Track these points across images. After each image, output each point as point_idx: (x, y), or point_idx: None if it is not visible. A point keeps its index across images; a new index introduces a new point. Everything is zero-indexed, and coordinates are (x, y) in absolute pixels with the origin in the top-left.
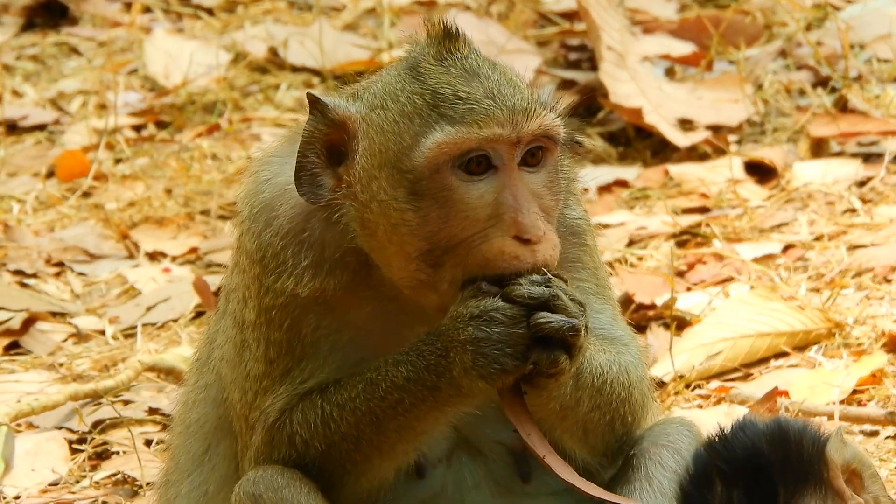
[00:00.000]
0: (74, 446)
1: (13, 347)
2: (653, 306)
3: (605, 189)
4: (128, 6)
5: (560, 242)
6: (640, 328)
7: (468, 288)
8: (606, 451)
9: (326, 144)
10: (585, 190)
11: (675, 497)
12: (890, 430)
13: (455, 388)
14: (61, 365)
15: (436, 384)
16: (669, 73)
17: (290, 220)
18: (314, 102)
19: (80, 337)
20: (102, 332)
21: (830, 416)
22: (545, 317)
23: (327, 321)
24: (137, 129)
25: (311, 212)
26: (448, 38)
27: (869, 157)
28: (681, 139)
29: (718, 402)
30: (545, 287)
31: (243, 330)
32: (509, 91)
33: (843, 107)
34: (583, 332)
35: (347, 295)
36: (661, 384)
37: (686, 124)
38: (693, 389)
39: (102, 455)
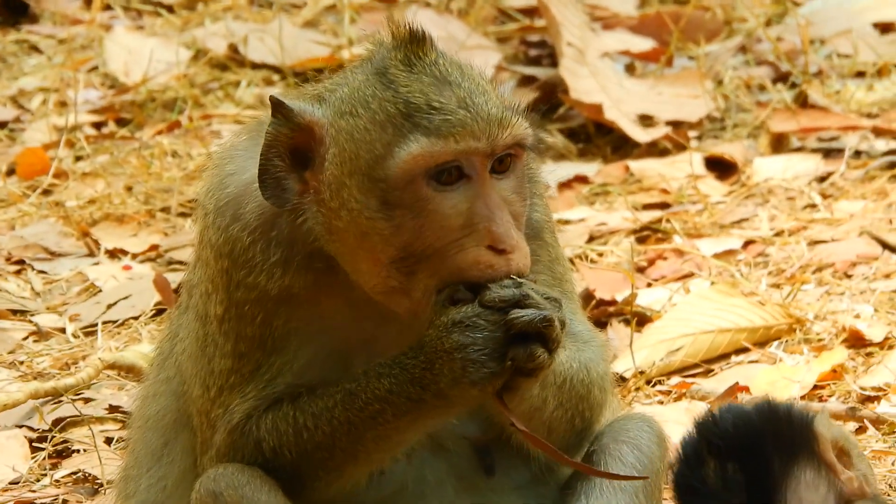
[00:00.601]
0: (35, 444)
1: None
2: (613, 302)
3: (565, 185)
4: (88, 3)
5: None
6: (601, 324)
7: (443, 295)
8: (566, 448)
9: (290, 148)
10: (547, 187)
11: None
12: (850, 426)
13: (442, 398)
14: (21, 363)
15: (420, 396)
16: (629, 69)
17: (259, 216)
18: (277, 105)
19: (40, 335)
20: (63, 330)
21: None
22: (517, 313)
23: (298, 313)
24: (98, 126)
25: (277, 213)
26: (415, 42)
27: (829, 153)
28: (641, 135)
29: (679, 397)
30: (515, 289)
31: (207, 324)
32: (482, 100)
33: (803, 102)
34: (556, 324)
35: (315, 294)
36: (621, 380)
37: (646, 120)
38: (654, 385)
39: (63, 453)
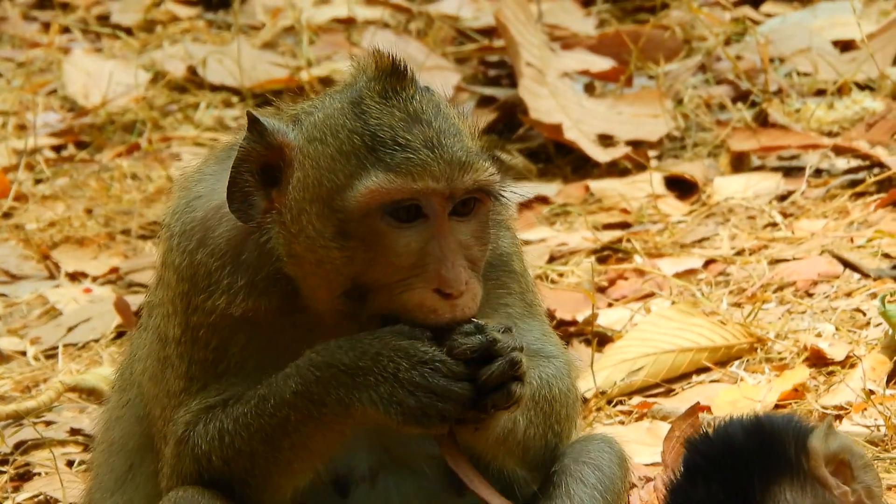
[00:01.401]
0: None
1: None
2: (574, 322)
3: (525, 206)
4: (46, 26)
5: (489, 269)
6: None
7: (396, 325)
8: (541, 464)
9: (261, 165)
10: (513, 215)
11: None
12: None
13: (343, 407)
14: None
15: (324, 398)
16: (589, 88)
17: (228, 241)
18: (253, 122)
19: (1, 358)
20: (24, 353)
21: None
22: (487, 370)
23: (256, 340)
24: (57, 149)
25: (247, 233)
26: (395, 76)
27: (790, 171)
28: (601, 155)
29: (640, 417)
30: (481, 336)
31: (166, 346)
32: (449, 141)
33: (763, 121)
34: (521, 357)
35: (278, 316)
36: (583, 400)
37: (606, 140)
38: (615, 405)
39: (24, 476)
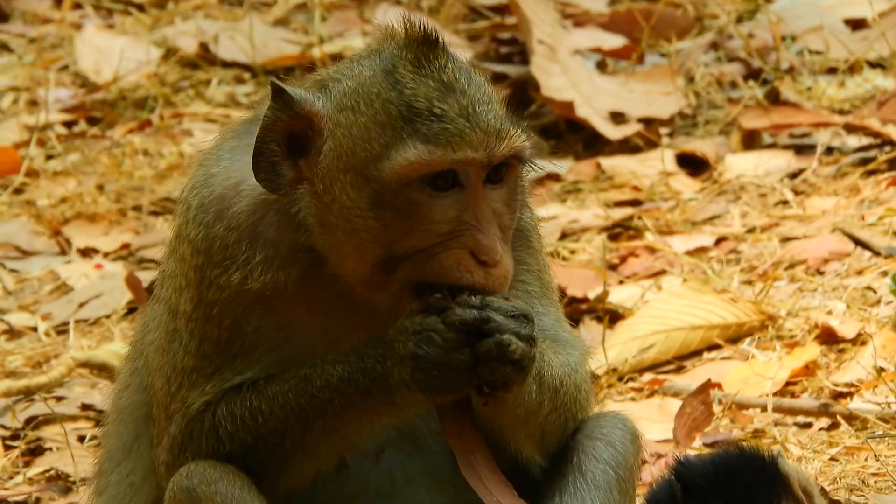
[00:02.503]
0: (7, 443)
1: None
2: (585, 299)
3: (537, 182)
4: (58, 2)
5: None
6: (573, 321)
7: (418, 301)
8: (555, 449)
9: (287, 134)
10: (531, 191)
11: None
12: (823, 422)
13: (388, 395)
14: None
15: (368, 389)
16: (601, 66)
17: (248, 216)
18: (278, 91)
19: (12, 333)
20: (35, 329)
21: (763, 409)
22: (483, 343)
23: (268, 320)
24: (69, 125)
25: (267, 207)
26: (427, 44)
27: (801, 149)
28: (612, 132)
29: (651, 394)
30: (477, 311)
31: (176, 318)
32: (483, 109)
33: (774, 99)
34: (518, 345)
35: (296, 292)
36: (594, 377)
37: (618, 117)
38: (626, 382)
39: (35, 451)
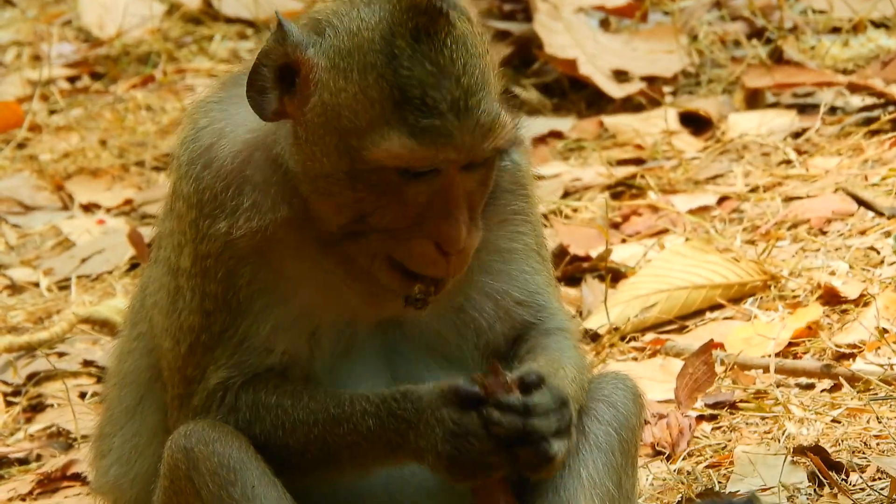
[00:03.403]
0: (9, 399)
1: None
2: (587, 258)
3: (539, 140)
4: None
5: (505, 193)
6: (575, 280)
7: (452, 388)
8: None
9: (280, 65)
10: (536, 145)
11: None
12: (826, 383)
13: (416, 458)
14: None
15: (400, 445)
16: (604, 24)
17: (232, 159)
18: (279, 26)
19: (14, 289)
20: (37, 284)
21: (766, 369)
22: (524, 451)
23: (262, 274)
24: (72, 80)
25: (253, 149)
26: (430, 15)
27: (804, 109)
28: (615, 90)
29: (653, 354)
30: (521, 418)
31: (177, 277)
32: (474, 101)
33: (778, 58)
34: (558, 446)
35: (286, 239)
36: (595, 337)
37: (621, 75)
38: (628, 342)
39: (37, 408)
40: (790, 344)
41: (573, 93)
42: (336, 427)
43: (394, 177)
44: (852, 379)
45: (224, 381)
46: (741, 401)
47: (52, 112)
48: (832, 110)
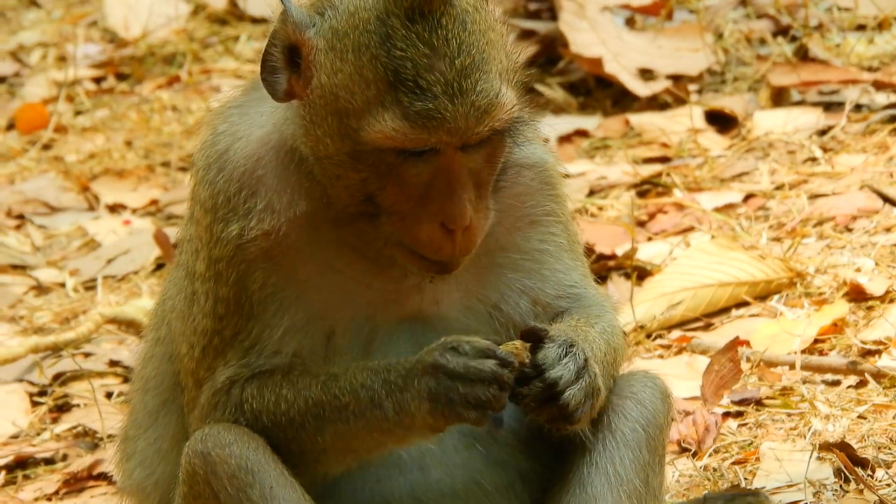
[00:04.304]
0: (35, 399)
1: None
2: (613, 256)
3: (565, 139)
4: None
5: (534, 194)
6: (601, 278)
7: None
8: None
9: (288, 45)
10: (546, 140)
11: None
12: (851, 380)
13: (406, 416)
14: (22, 317)
15: (385, 416)
16: (629, 22)
17: (246, 160)
18: (283, 6)
19: (40, 289)
20: (63, 285)
21: (792, 366)
22: (545, 410)
23: (274, 279)
24: (97, 81)
25: (265, 148)
26: None
27: (829, 106)
28: (641, 89)
29: (679, 351)
30: (540, 382)
31: (194, 282)
32: (469, 83)
33: (803, 55)
34: (577, 395)
35: (300, 238)
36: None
37: (646, 74)
38: (654, 339)
39: (63, 408)
40: (816, 341)
41: (599, 91)
42: (332, 384)
43: (392, 157)
44: (878, 375)
45: (231, 377)
46: (767, 398)
47: (77, 113)
48: (857, 108)
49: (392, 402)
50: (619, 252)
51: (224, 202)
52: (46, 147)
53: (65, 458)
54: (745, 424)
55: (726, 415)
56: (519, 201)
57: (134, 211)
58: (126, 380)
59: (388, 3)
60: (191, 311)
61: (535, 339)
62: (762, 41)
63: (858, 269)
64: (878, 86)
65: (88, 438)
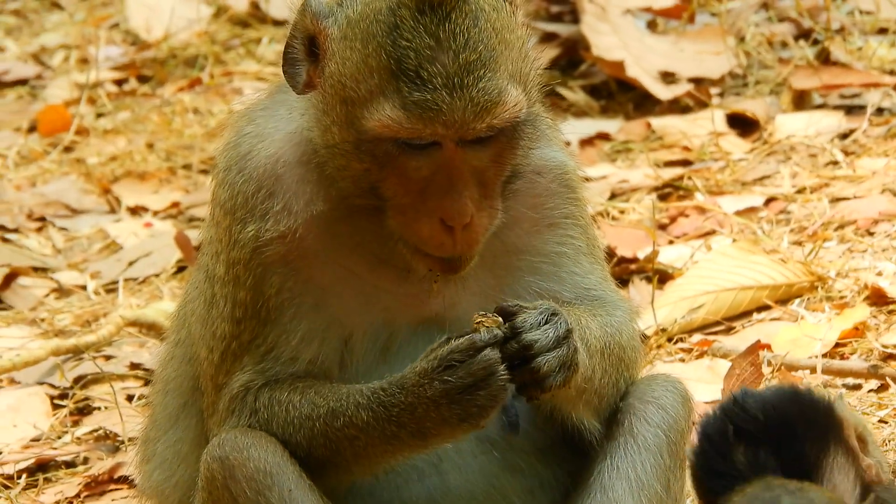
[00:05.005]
0: (56, 402)
1: None
2: (635, 259)
3: (587, 142)
4: None
5: (553, 196)
6: (623, 282)
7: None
8: (610, 408)
9: (308, 36)
10: (567, 143)
11: (690, 464)
12: (872, 384)
13: (420, 437)
14: (43, 320)
15: (396, 434)
16: (651, 25)
17: (266, 160)
18: None
19: (61, 292)
20: (84, 287)
21: (813, 370)
22: (518, 373)
23: (290, 283)
24: (119, 83)
25: (286, 148)
26: None
27: (851, 110)
28: (663, 92)
29: (700, 355)
30: (515, 342)
31: (213, 285)
32: (472, 78)
33: (825, 59)
34: (551, 359)
35: (316, 242)
36: (642, 338)
37: (668, 77)
38: (675, 343)
39: (84, 410)
40: (837, 344)
41: (620, 94)
42: (334, 420)
43: (393, 148)
44: None
45: (246, 383)
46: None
47: (99, 115)
48: (879, 111)
49: (407, 432)
50: (641, 255)
51: (242, 203)
52: (68, 149)
53: (86, 461)
54: None
55: None
56: (537, 204)
57: (155, 213)
58: (147, 382)
59: None
60: (210, 314)
61: (508, 314)
62: (784, 44)
63: (880, 273)
64: None
65: (109, 441)
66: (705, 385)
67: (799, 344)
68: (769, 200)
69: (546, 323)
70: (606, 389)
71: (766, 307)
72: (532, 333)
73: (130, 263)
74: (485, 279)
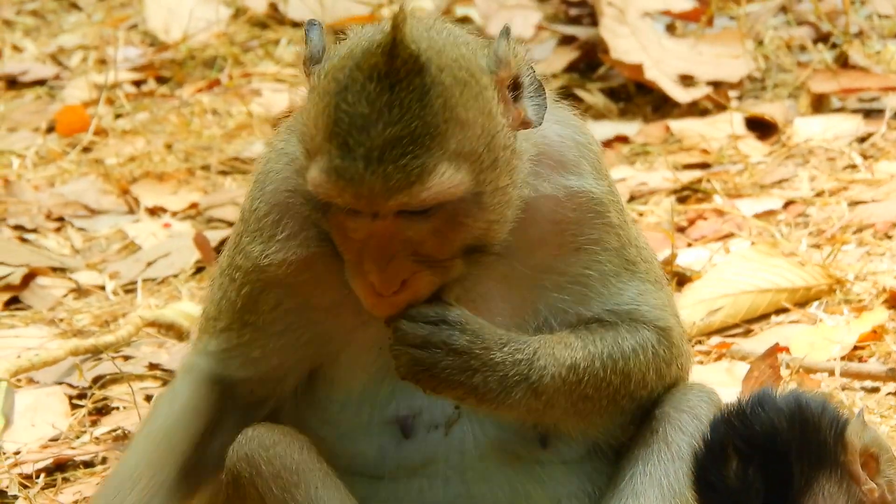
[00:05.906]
0: (75, 402)
1: (13, 303)
2: None
3: (605, 145)
4: None
5: (577, 223)
6: None
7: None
8: (623, 420)
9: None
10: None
11: (690, 464)
12: (891, 387)
13: None
14: (61, 320)
15: None
16: (670, 28)
17: (281, 184)
18: (307, 32)
19: (80, 292)
20: (103, 288)
21: (831, 373)
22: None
23: (289, 303)
24: (137, 84)
25: (296, 181)
26: (392, 55)
27: (870, 113)
28: (681, 95)
29: (719, 358)
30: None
31: (220, 271)
32: (394, 155)
33: (843, 63)
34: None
35: (316, 269)
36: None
37: (687, 80)
38: (693, 345)
39: (103, 410)
40: (855, 347)
41: (639, 97)
42: None
43: (329, 206)
44: None
45: (209, 373)
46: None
47: (117, 116)
48: None
49: None
50: (659, 258)
51: (255, 219)
52: (86, 150)
53: (104, 461)
54: None
55: None
56: (561, 230)
57: (174, 214)
58: (165, 383)
59: (362, 58)
60: (212, 295)
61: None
62: (802, 48)
63: None
64: None
65: (128, 441)
66: (724, 388)
67: (817, 347)
68: (788, 203)
69: (430, 324)
70: (588, 409)
71: (785, 310)
72: (406, 324)
73: (149, 264)
74: (508, 295)
